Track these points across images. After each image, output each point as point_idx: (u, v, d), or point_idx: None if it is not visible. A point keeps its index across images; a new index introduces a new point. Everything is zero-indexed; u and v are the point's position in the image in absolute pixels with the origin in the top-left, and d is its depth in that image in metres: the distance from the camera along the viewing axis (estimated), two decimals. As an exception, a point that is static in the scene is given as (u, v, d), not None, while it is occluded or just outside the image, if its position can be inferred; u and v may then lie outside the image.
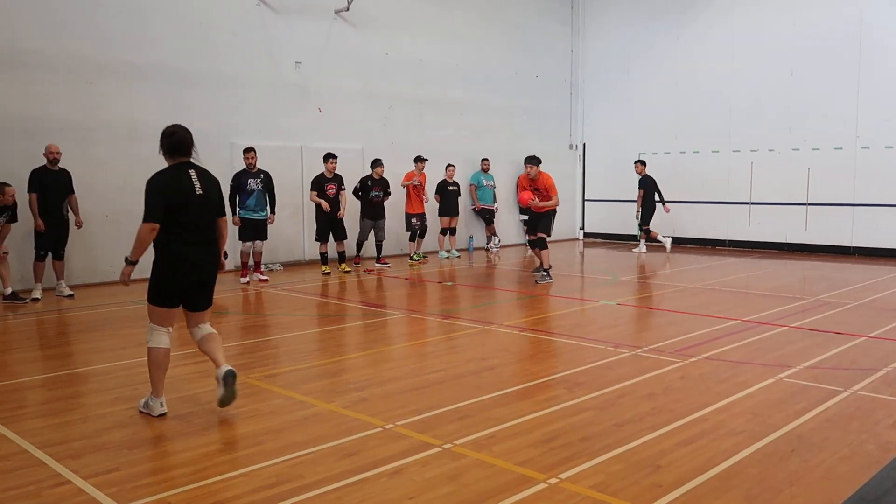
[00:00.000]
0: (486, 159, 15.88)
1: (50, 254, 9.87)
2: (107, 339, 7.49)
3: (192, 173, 4.93)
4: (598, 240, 18.42)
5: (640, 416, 4.82)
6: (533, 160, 10.98)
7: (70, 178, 9.93)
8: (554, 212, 11.34)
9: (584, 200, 18.94)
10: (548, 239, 11.20)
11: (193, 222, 4.87)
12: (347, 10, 13.62)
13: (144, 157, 11.15)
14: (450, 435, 4.48)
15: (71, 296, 9.94)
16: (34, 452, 4.27)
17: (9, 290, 9.41)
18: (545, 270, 11.15)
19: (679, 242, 16.68)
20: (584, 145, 18.79)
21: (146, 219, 4.73)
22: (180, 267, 4.84)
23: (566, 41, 18.52)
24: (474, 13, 16.23)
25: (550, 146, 17.69)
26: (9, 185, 9.28)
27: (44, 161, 9.72)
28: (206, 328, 5.09)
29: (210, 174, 5.10)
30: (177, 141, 4.95)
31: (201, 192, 4.91)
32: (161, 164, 5.04)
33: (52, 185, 9.67)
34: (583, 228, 18.95)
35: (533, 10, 17.61)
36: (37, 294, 9.79)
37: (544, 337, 7.40)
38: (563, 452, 4.19)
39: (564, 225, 18.45)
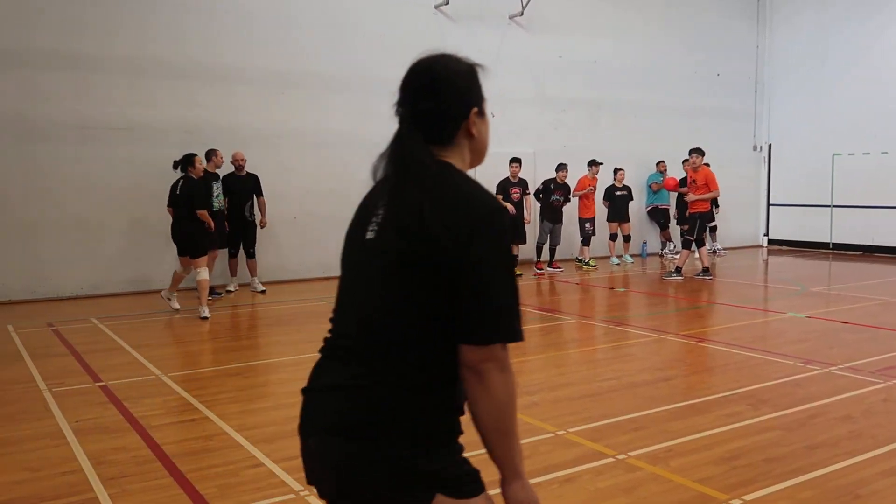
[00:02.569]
0: (662, 161, 15.32)
1: (244, 252, 10.71)
2: (293, 332, 8.01)
3: (180, 182, 8.87)
4: (785, 247, 17.19)
5: (835, 440, 4.45)
6: (698, 151, 11.67)
7: (258, 182, 10.71)
8: (697, 215, 11.67)
9: (768, 205, 17.76)
10: (695, 242, 11.87)
11: (176, 210, 8.85)
12: (522, 14, 13.69)
13: (330, 163, 11.99)
14: (624, 445, 4.37)
15: (263, 291, 10.72)
16: (233, 434, 4.65)
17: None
18: (677, 269, 11.86)
19: (879, 251, 15.24)
20: (770, 146, 17.64)
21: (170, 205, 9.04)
22: (173, 234, 8.92)
23: (751, 36, 17.48)
24: (651, 11, 15.73)
25: (732, 147, 16.78)
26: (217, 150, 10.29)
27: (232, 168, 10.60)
28: (201, 273, 8.72)
29: (192, 182, 8.81)
30: (178, 164, 8.90)
31: (179, 193, 8.81)
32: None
33: (237, 190, 10.45)
34: (767, 235, 17.77)
35: (714, 5, 16.79)
36: (231, 287, 10.68)
37: (724, 349, 7.02)
38: (747, 473, 3.95)
39: (746, 231, 17.44)
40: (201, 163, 9.17)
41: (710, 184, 11.45)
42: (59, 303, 9.90)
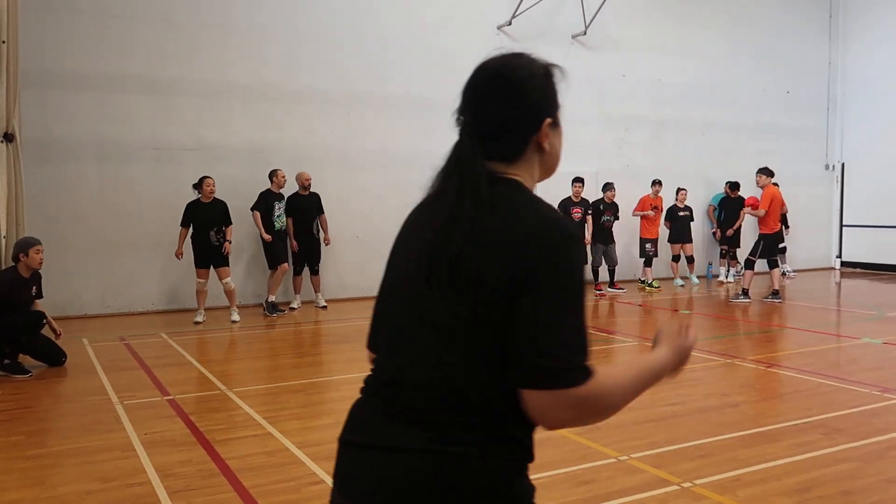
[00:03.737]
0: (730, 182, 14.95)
1: (308, 269, 10.91)
2: (353, 350, 8.06)
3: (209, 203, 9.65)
4: (859, 269, 16.55)
5: (916, 474, 4.23)
6: (764, 170, 11.55)
7: (319, 200, 10.93)
8: (763, 236, 11.45)
9: (841, 226, 17.14)
10: (756, 262, 11.58)
11: (207, 227, 9.55)
12: (585, 33, 13.64)
13: (393, 182, 12.08)
14: (689, 473, 4.25)
15: (324, 307, 10.89)
16: (294, 451, 4.71)
17: (272, 298, 10.47)
18: (744, 291, 11.53)
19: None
20: (843, 165, 17.06)
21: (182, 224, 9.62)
22: (200, 247, 9.58)
23: (823, 53, 16.99)
24: (717, 28, 15.45)
25: (803, 167, 16.30)
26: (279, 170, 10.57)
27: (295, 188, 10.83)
28: (228, 283, 9.61)
29: (220, 203, 9.65)
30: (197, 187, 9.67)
31: (208, 210, 9.57)
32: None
33: (303, 208, 10.69)
34: (840, 256, 17.14)
35: (784, 21, 16.38)
36: (294, 304, 10.87)
37: (795, 374, 6.78)
38: (821, 505, 3.79)
39: (818, 252, 16.87)
40: (209, 186, 9.57)
41: (762, 201, 11.27)
42: (130, 317, 10.24)
